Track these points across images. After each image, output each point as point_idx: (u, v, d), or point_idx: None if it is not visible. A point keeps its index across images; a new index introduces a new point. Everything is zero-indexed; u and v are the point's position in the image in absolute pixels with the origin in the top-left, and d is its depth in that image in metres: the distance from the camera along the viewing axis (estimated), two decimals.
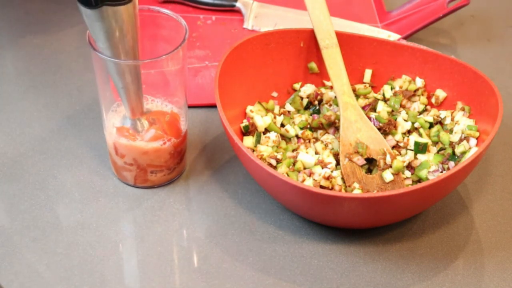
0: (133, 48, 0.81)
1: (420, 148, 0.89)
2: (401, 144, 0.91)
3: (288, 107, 0.97)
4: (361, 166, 0.89)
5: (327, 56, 0.95)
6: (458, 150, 0.89)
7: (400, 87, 0.97)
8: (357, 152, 0.89)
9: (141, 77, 0.83)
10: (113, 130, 0.88)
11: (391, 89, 0.98)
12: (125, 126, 0.87)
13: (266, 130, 0.93)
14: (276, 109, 0.96)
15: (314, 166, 0.88)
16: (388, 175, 0.87)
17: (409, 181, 0.88)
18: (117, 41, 0.79)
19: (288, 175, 0.87)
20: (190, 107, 1.00)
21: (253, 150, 0.91)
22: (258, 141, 0.91)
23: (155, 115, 0.88)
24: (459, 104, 0.94)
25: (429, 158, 0.89)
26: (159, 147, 0.87)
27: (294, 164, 0.89)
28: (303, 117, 0.95)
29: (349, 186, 0.87)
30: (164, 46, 0.86)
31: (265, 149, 0.90)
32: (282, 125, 0.94)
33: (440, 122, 0.94)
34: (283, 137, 0.93)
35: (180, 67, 0.86)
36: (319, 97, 0.97)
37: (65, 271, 0.82)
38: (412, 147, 0.90)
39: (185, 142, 0.91)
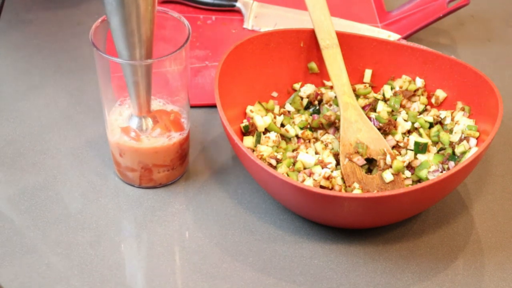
0: (148, 39, 0.81)
1: (420, 148, 0.89)
2: (401, 144, 0.91)
3: (288, 107, 0.97)
4: (361, 166, 0.89)
5: (328, 56, 0.95)
6: (458, 150, 0.89)
7: (400, 87, 0.97)
8: (357, 152, 0.89)
9: (151, 73, 0.83)
10: (117, 130, 0.88)
11: (391, 89, 0.98)
12: (130, 126, 0.87)
13: (266, 130, 0.93)
14: (276, 109, 0.96)
15: (314, 166, 0.88)
16: (388, 175, 0.87)
17: (409, 181, 0.88)
18: (133, 29, 0.80)
19: (288, 175, 0.87)
20: (190, 107, 1.00)
21: (253, 150, 0.91)
22: (258, 141, 0.91)
23: (158, 114, 0.88)
24: (459, 104, 0.94)
25: (429, 158, 0.89)
26: (166, 146, 0.87)
27: (294, 164, 0.89)
28: (303, 117, 0.95)
29: (349, 186, 0.87)
30: (166, 46, 0.86)
31: (265, 149, 0.90)
32: (282, 125, 0.94)
33: (440, 122, 0.94)
34: (283, 137, 0.93)
35: (183, 67, 0.86)
36: (319, 97, 0.97)
37: (65, 271, 0.82)
38: (412, 147, 0.90)
39: (189, 140, 0.91)
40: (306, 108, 0.97)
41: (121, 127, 0.88)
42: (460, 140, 0.89)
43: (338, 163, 0.90)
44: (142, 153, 0.87)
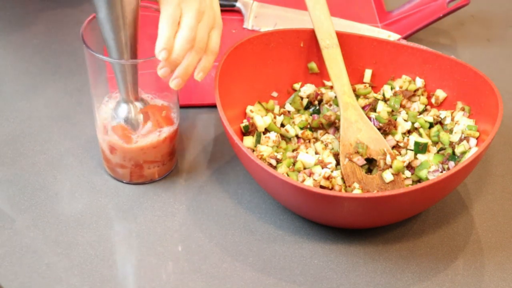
0: (134, 20, 0.82)
1: (420, 148, 0.89)
2: (401, 144, 0.91)
3: (288, 107, 0.97)
4: (361, 166, 0.89)
5: (328, 56, 0.95)
6: (458, 150, 0.89)
7: (400, 87, 0.97)
8: (357, 152, 0.89)
9: (137, 53, 0.84)
10: (108, 128, 0.88)
11: (391, 89, 0.98)
12: (120, 124, 0.87)
13: (266, 130, 0.93)
14: (276, 109, 0.96)
15: (314, 166, 0.88)
16: (388, 175, 0.87)
17: (409, 181, 0.88)
18: (119, 13, 0.81)
19: (288, 175, 0.87)
20: (190, 107, 1.00)
21: (253, 150, 0.91)
22: (258, 141, 0.91)
23: (150, 109, 0.88)
24: (459, 104, 0.94)
25: (429, 158, 0.89)
26: (156, 142, 0.88)
27: (294, 164, 0.89)
28: (303, 117, 0.95)
29: (349, 186, 0.87)
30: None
31: (265, 149, 0.90)
32: (282, 125, 0.94)
33: (440, 122, 0.94)
34: (283, 137, 0.93)
35: None
36: (319, 97, 0.97)
37: (65, 271, 0.82)
38: (412, 147, 0.90)
39: (178, 135, 0.91)
40: (306, 108, 0.97)
41: (112, 126, 0.88)
42: (460, 140, 0.89)
43: (338, 163, 0.90)
44: (133, 151, 0.88)
